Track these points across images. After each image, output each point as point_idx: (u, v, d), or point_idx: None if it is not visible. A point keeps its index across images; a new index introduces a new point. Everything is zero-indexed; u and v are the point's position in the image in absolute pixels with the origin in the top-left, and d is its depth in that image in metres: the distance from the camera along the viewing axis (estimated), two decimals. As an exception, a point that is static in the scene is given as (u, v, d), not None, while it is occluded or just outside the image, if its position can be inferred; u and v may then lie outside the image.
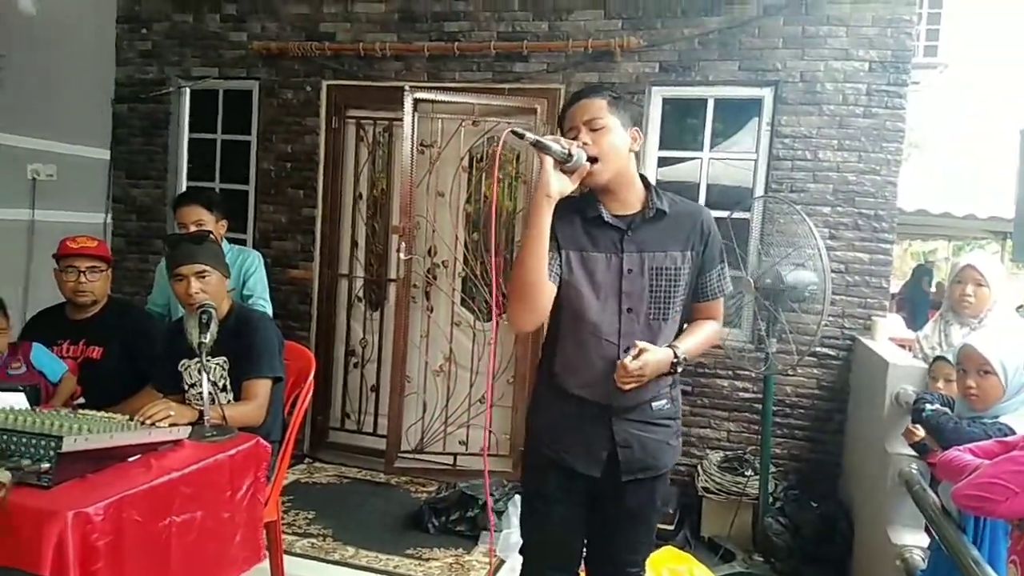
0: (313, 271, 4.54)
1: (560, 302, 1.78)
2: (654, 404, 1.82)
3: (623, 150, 1.76)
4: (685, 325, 1.90)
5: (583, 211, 1.78)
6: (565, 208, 1.72)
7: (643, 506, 1.88)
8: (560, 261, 1.75)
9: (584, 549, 1.97)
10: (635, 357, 1.68)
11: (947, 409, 2.23)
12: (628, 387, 1.70)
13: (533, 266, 1.67)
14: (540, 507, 1.90)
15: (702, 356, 1.97)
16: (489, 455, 4.25)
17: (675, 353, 1.76)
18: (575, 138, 1.72)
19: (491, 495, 3.50)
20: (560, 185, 1.66)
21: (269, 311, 3.09)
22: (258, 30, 4.56)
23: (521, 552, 2.00)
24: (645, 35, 3.95)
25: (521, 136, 1.63)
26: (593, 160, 1.70)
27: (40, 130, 4.30)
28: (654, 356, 1.70)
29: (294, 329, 4.50)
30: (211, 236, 2.61)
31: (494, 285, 1.87)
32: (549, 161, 1.65)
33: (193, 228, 2.95)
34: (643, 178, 1.84)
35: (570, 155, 1.65)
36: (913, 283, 10.96)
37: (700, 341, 1.86)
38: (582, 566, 1.99)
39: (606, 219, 1.77)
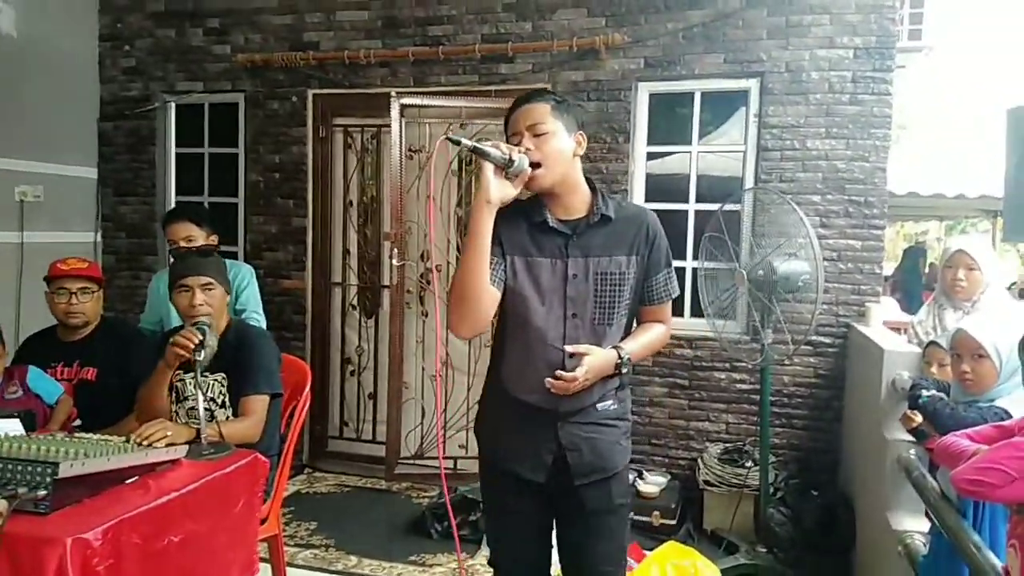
0: (306, 280, 4.53)
1: (505, 308, 1.77)
2: (599, 406, 1.81)
3: (567, 154, 1.75)
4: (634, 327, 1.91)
5: (529, 216, 1.77)
6: (511, 213, 1.72)
7: (601, 508, 1.85)
8: (505, 266, 1.74)
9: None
10: (576, 365, 1.68)
11: (943, 395, 2.24)
12: (569, 392, 1.70)
13: (473, 272, 1.67)
14: (499, 517, 1.91)
15: (649, 355, 1.94)
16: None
17: (619, 354, 1.76)
18: (518, 143, 1.72)
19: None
20: (501, 191, 1.66)
21: (263, 324, 3.08)
22: (241, 42, 4.55)
23: (490, 564, 1.98)
24: (629, 31, 3.95)
25: (457, 143, 1.62)
26: (536, 165, 1.69)
27: (26, 151, 4.29)
28: (596, 359, 1.70)
29: (289, 339, 4.49)
30: (216, 252, 2.60)
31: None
32: (489, 167, 1.65)
33: (184, 244, 2.94)
34: (590, 182, 1.83)
35: (511, 160, 1.65)
36: (908, 265, 11.00)
37: (645, 343, 1.86)
38: None
39: (551, 224, 1.76)
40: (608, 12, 3.99)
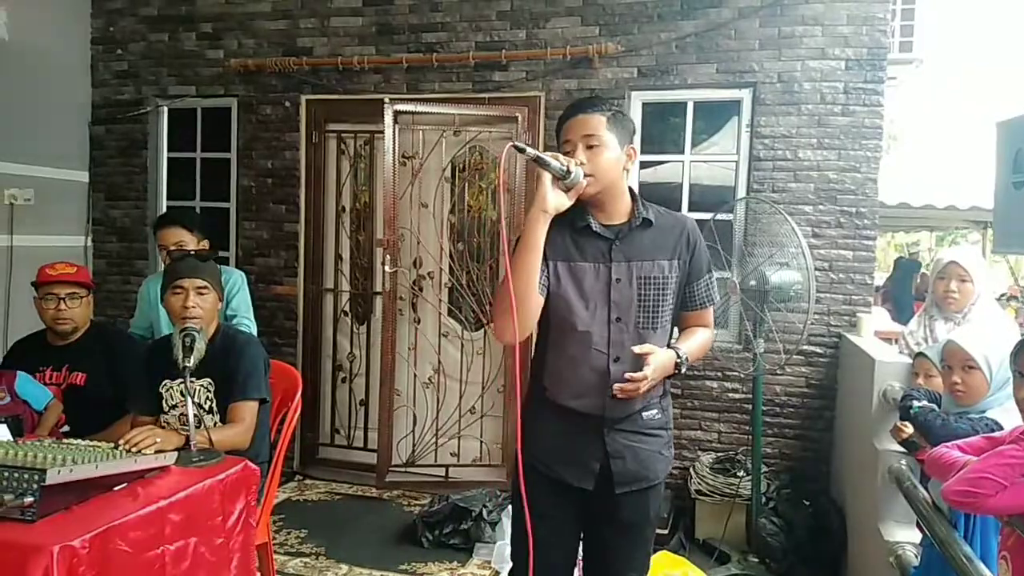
0: (298, 286, 4.52)
1: (548, 314, 1.77)
2: (645, 414, 1.81)
3: (618, 168, 1.76)
4: (676, 333, 1.91)
5: (571, 221, 1.77)
6: (553, 219, 1.72)
7: (638, 519, 1.86)
8: (547, 272, 1.75)
9: (579, 567, 1.95)
10: (644, 364, 1.67)
11: (934, 406, 2.25)
12: (639, 393, 1.70)
13: (524, 279, 1.67)
14: (533, 524, 1.86)
15: (701, 357, 1.95)
16: (481, 465, 4.25)
17: (678, 353, 1.77)
18: (570, 153, 1.72)
19: (484, 505, 3.49)
20: (557, 201, 1.67)
21: (253, 330, 3.06)
22: (235, 47, 4.54)
23: (512, 574, 1.96)
24: (622, 41, 3.96)
25: (523, 151, 1.63)
26: (588, 176, 1.70)
27: (16, 154, 4.26)
28: (658, 358, 1.70)
29: (280, 345, 4.47)
30: (213, 257, 2.58)
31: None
32: (547, 177, 1.66)
33: (174, 250, 2.92)
34: (630, 189, 1.84)
35: (568, 172, 1.66)
36: (900, 276, 11.07)
37: (698, 345, 1.87)
38: None
39: (594, 229, 1.77)
40: (601, 21, 4.01)
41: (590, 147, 1.72)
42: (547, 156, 1.66)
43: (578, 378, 1.76)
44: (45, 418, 2.48)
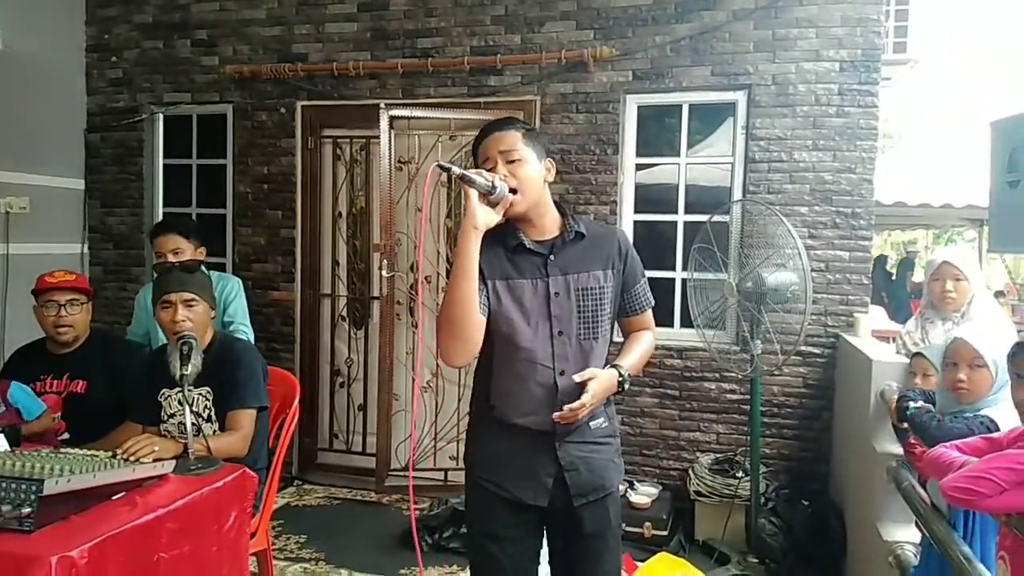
0: (295, 292, 4.52)
1: (491, 333, 1.76)
2: (592, 423, 1.81)
3: (539, 181, 1.78)
4: (622, 341, 1.93)
5: (504, 240, 1.78)
6: (486, 240, 1.72)
7: (600, 530, 1.84)
8: (487, 292, 1.75)
9: None
10: (583, 391, 1.68)
11: (930, 407, 2.25)
12: (578, 419, 1.71)
13: (463, 299, 1.67)
14: (492, 549, 1.84)
15: (643, 364, 1.96)
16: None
17: (619, 372, 1.77)
18: (492, 169, 1.74)
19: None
20: (486, 217, 1.69)
21: (251, 337, 3.07)
22: (230, 53, 4.54)
23: None
24: (617, 44, 3.97)
25: (448, 170, 1.64)
26: (513, 191, 1.72)
27: (12, 162, 4.26)
28: (600, 383, 1.71)
29: (278, 351, 4.47)
30: (201, 267, 2.58)
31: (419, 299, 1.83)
32: (474, 194, 1.68)
33: (171, 257, 2.92)
34: (558, 205, 1.86)
35: (494, 187, 1.68)
36: (890, 273, 11.27)
37: (640, 354, 1.89)
38: None
39: (528, 245, 1.78)
40: (596, 25, 4.02)
41: (510, 162, 1.74)
42: (471, 173, 1.68)
43: (526, 395, 1.76)
44: (30, 425, 2.46)
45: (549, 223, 1.82)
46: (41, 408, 2.51)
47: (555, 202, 1.85)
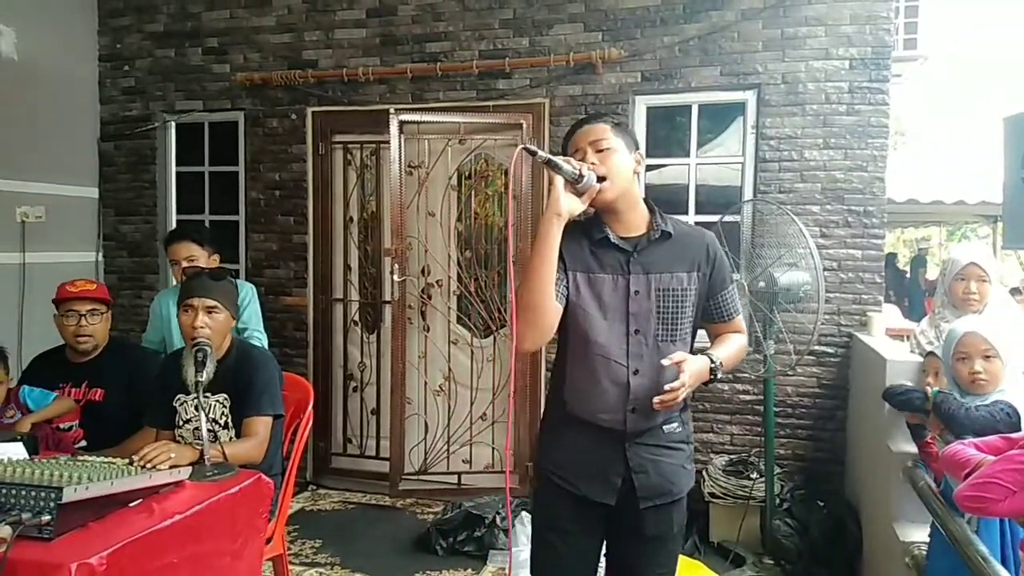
0: (307, 297, 4.54)
1: (567, 325, 1.76)
2: (666, 427, 1.80)
3: (629, 171, 1.77)
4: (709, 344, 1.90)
5: (589, 233, 1.78)
6: (572, 230, 1.73)
7: (662, 533, 1.84)
8: (567, 282, 1.74)
9: None
10: (679, 372, 1.66)
11: (954, 393, 2.24)
12: (677, 402, 1.68)
13: (540, 285, 1.67)
14: (554, 541, 1.85)
15: (736, 364, 1.93)
16: (494, 472, 4.25)
17: (711, 358, 1.75)
18: (582, 159, 1.74)
19: (498, 512, 3.49)
20: (570, 205, 1.67)
21: (264, 342, 3.08)
22: (240, 61, 4.58)
23: None
24: (625, 46, 3.97)
25: (534, 154, 1.64)
26: (601, 179, 1.71)
27: (27, 172, 4.31)
28: (694, 364, 1.68)
29: (291, 356, 4.49)
30: (228, 277, 2.59)
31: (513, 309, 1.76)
32: (560, 181, 1.66)
33: (185, 264, 2.94)
34: (647, 202, 1.84)
35: (581, 175, 1.67)
36: (903, 271, 11.20)
37: (732, 351, 1.86)
38: None
39: (612, 240, 1.77)
40: (604, 27, 4.02)
41: (600, 151, 1.74)
42: (559, 159, 1.67)
43: (599, 392, 1.75)
44: (41, 412, 2.48)
45: (636, 218, 1.80)
46: (50, 396, 2.53)
47: (644, 199, 1.84)
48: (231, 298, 2.51)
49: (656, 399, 1.67)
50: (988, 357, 2.10)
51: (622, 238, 1.78)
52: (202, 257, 3.03)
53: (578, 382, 1.79)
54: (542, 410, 1.99)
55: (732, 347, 1.86)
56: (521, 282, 1.71)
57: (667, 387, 1.65)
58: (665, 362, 1.68)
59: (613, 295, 1.75)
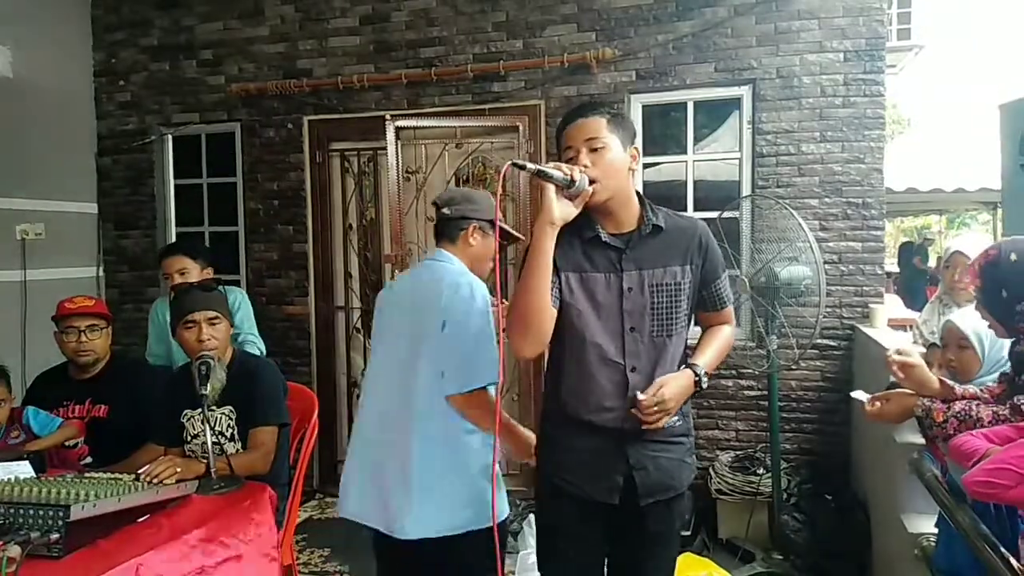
0: (309, 306, 4.54)
1: (562, 326, 1.75)
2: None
3: (623, 170, 1.74)
4: (699, 334, 1.89)
5: (580, 232, 1.76)
6: (561, 230, 1.69)
7: (663, 529, 1.83)
8: (559, 284, 1.73)
9: None
10: (653, 395, 1.65)
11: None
12: (656, 423, 1.67)
13: (536, 293, 1.65)
14: (559, 543, 1.85)
15: (721, 360, 1.92)
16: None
17: (695, 371, 1.73)
18: (574, 159, 1.70)
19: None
20: (563, 211, 1.64)
21: (260, 346, 3.09)
22: (235, 72, 4.58)
23: None
24: (619, 45, 3.97)
25: (523, 167, 1.61)
26: (592, 182, 1.68)
27: (26, 189, 4.32)
28: (672, 389, 1.67)
29: (294, 365, 4.49)
30: (218, 286, 2.60)
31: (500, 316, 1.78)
32: (551, 188, 1.63)
33: (178, 277, 2.95)
34: (638, 195, 1.82)
35: (572, 181, 1.63)
36: (902, 264, 11.10)
37: (716, 350, 1.85)
38: None
39: (603, 239, 1.75)
40: (598, 27, 4.02)
41: (593, 150, 1.70)
42: (549, 168, 1.63)
43: (596, 391, 1.74)
44: (42, 440, 2.45)
45: (628, 215, 1.78)
46: (56, 422, 2.53)
47: (636, 192, 1.81)
48: (226, 306, 2.53)
49: (632, 411, 1.67)
50: (962, 347, 2.11)
51: (613, 235, 1.76)
52: (195, 270, 3.04)
53: (574, 382, 1.77)
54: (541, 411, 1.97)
55: (717, 346, 1.85)
56: (517, 292, 1.69)
57: (640, 395, 1.65)
58: (642, 397, 1.66)
59: (607, 294, 1.74)
